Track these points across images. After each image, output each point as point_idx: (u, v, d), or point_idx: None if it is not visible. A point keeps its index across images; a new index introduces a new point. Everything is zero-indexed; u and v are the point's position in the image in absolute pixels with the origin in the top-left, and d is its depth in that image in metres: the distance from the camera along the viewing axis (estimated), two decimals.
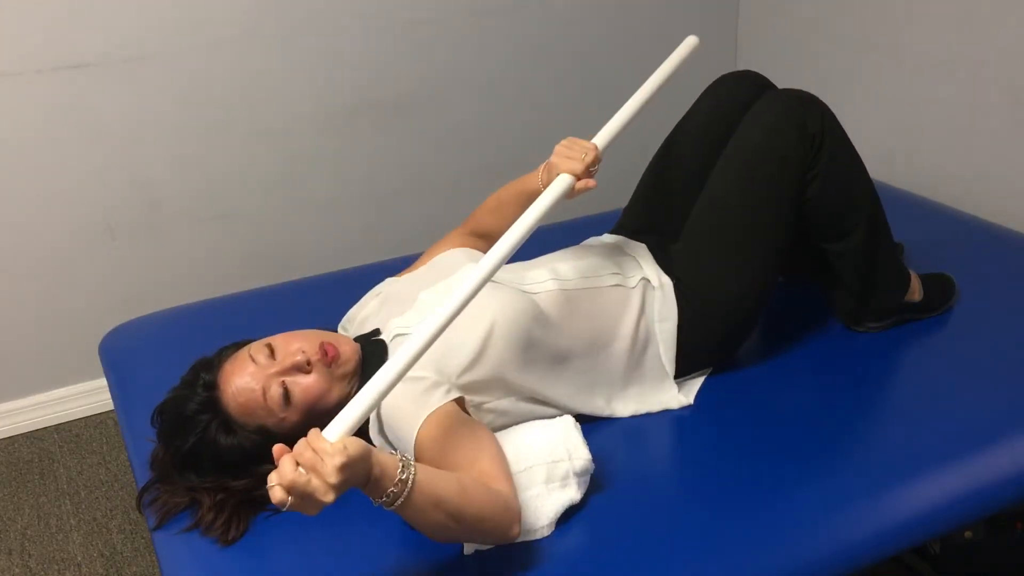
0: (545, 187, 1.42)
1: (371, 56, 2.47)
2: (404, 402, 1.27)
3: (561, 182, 1.41)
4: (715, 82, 1.73)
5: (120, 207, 2.33)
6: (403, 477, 1.04)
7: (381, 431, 1.32)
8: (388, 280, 1.61)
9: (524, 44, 2.68)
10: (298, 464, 0.98)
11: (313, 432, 1.01)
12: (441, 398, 1.28)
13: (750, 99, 1.66)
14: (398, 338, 1.41)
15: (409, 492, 1.05)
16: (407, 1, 2.46)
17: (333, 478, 0.97)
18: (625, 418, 1.49)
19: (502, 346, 1.36)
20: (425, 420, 1.25)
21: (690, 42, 1.73)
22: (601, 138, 1.52)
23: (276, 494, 0.97)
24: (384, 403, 1.28)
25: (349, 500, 1.32)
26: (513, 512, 1.18)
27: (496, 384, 1.37)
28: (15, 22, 2.08)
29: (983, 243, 1.96)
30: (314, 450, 0.98)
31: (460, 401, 1.32)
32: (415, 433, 1.25)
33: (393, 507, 1.06)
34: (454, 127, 2.67)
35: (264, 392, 1.30)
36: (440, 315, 1.16)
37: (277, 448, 1.00)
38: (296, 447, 1.00)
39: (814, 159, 1.52)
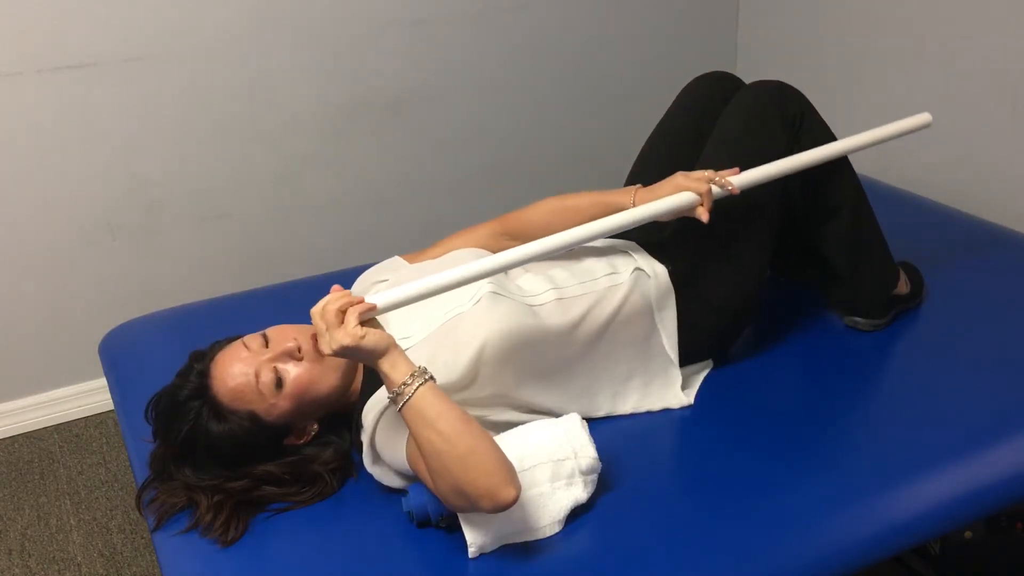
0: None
1: (371, 56, 2.47)
2: (387, 427, 1.28)
3: (685, 197, 1.43)
4: (690, 83, 1.77)
5: (120, 207, 2.33)
6: (408, 382, 1.16)
7: (375, 462, 1.33)
8: (396, 259, 1.60)
9: (524, 44, 2.68)
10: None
11: (356, 299, 1.17)
12: None
13: (726, 97, 1.68)
14: None
15: (408, 400, 1.15)
16: (407, 1, 2.46)
17: (332, 347, 1.15)
18: (627, 420, 1.48)
19: (497, 365, 1.35)
20: (408, 441, 1.25)
21: (921, 119, 1.67)
22: (743, 179, 1.47)
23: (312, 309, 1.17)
24: (377, 435, 1.29)
25: (349, 500, 1.33)
26: (511, 471, 1.16)
27: (494, 400, 1.37)
28: (15, 22, 2.08)
29: (983, 243, 1.96)
30: (341, 316, 1.14)
31: None
32: (403, 456, 1.26)
33: (397, 407, 1.17)
34: (454, 127, 2.67)
35: (257, 376, 1.31)
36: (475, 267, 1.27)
37: (335, 287, 1.19)
38: (333, 301, 1.16)
39: (795, 137, 1.56)
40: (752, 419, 1.48)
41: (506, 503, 1.14)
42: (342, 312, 1.15)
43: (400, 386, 1.16)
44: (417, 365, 1.18)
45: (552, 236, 1.34)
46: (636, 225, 1.42)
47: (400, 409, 1.17)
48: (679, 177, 1.45)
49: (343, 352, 1.15)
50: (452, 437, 1.13)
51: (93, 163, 2.26)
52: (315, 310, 1.17)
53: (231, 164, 2.41)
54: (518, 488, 1.15)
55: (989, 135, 2.28)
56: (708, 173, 1.45)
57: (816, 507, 1.28)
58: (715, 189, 1.44)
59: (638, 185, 1.50)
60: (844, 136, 1.63)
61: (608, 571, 1.19)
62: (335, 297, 1.17)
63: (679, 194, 1.43)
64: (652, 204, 1.43)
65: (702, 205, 1.43)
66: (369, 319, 1.18)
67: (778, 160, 1.50)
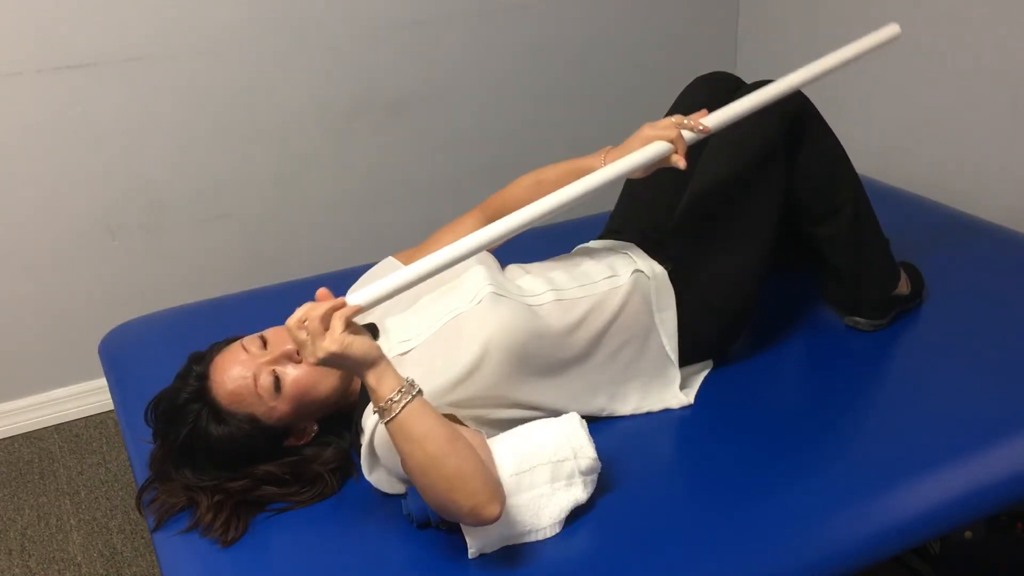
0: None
1: (371, 56, 2.47)
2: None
3: (656, 147, 1.37)
4: (690, 84, 1.76)
5: (120, 207, 2.33)
6: (395, 399, 1.12)
7: (373, 469, 1.32)
8: (390, 260, 1.59)
9: (524, 44, 2.68)
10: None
11: (339, 302, 1.12)
12: None
13: (726, 97, 1.67)
14: (398, 358, 1.39)
15: (395, 417, 1.12)
16: (407, 1, 2.46)
17: (318, 355, 1.10)
18: (627, 420, 1.48)
19: (499, 363, 1.34)
20: None
21: (890, 31, 1.57)
22: (714, 118, 1.42)
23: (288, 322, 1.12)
24: (376, 439, 1.28)
25: (349, 500, 1.33)
26: (496, 488, 1.15)
27: (494, 398, 1.36)
28: (15, 22, 2.08)
29: (983, 243, 1.96)
30: (324, 323, 1.09)
31: (451, 416, 1.31)
32: (399, 461, 1.25)
33: (383, 422, 1.13)
34: (454, 127, 2.67)
35: (255, 379, 1.30)
36: (465, 244, 1.24)
37: (320, 291, 1.13)
38: (315, 308, 1.10)
39: (795, 136, 1.55)
40: (752, 419, 1.48)
41: (488, 520, 1.14)
42: (327, 319, 1.10)
43: (387, 401, 1.12)
44: (405, 378, 1.14)
45: (534, 203, 1.31)
46: (613, 181, 1.38)
47: (387, 424, 1.13)
48: (646, 128, 1.41)
49: (330, 359, 1.10)
50: (439, 458, 1.12)
51: (93, 163, 2.26)
52: (292, 322, 1.11)
53: (231, 164, 2.41)
54: (502, 503, 1.15)
55: (989, 135, 2.28)
56: (676, 118, 1.41)
57: (816, 507, 1.28)
58: (687, 134, 1.40)
59: (608, 147, 1.47)
60: (844, 136, 1.63)
61: (608, 571, 1.19)
62: (316, 305, 1.11)
63: (650, 145, 1.39)
64: (625, 159, 1.38)
65: (676, 152, 1.39)
66: (356, 329, 1.13)
67: (745, 98, 1.46)
